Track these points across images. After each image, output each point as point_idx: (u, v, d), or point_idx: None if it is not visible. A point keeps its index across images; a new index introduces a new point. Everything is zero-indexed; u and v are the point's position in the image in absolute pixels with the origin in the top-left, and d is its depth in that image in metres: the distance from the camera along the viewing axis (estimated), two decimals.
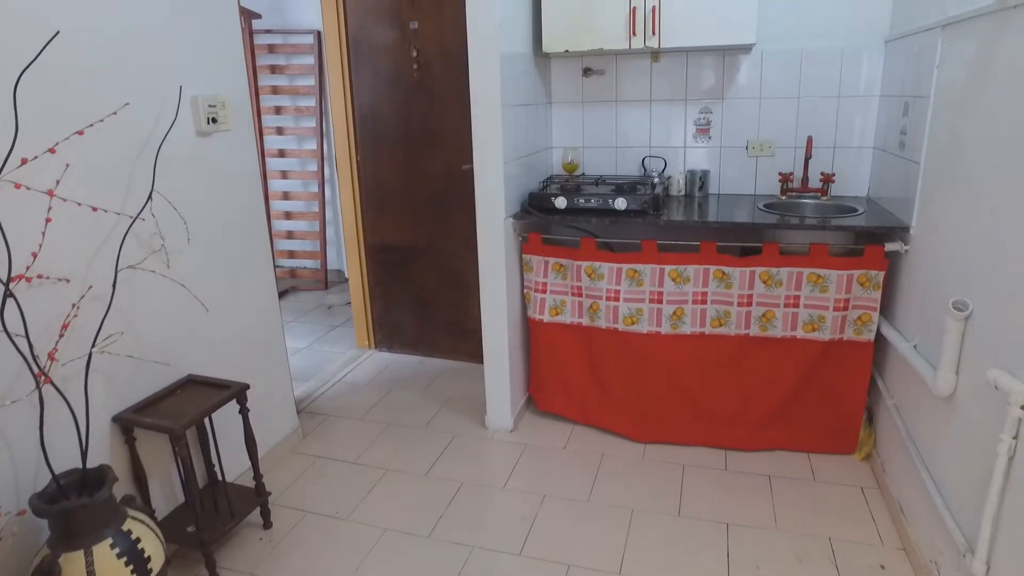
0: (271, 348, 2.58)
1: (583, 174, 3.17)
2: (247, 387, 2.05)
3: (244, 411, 2.07)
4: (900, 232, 2.31)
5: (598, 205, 2.63)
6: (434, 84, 3.29)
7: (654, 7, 2.62)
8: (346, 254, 3.75)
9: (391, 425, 2.95)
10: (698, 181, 2.94)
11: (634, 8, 2.64)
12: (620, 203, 2.59)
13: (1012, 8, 1.61)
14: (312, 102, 4.76)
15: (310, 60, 4.69)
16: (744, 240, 2.53)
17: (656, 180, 2.91)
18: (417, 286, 3.62)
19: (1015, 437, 1.46)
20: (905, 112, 2.40)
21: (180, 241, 2.07)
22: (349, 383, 3.38)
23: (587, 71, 3.08)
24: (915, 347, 2.14)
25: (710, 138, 2.99)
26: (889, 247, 2.34)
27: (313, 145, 4.82)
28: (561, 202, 2.65)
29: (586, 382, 2.83)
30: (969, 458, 1.70)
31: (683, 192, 2.99)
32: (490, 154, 2.55)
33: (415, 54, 3.31)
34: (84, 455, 1.65)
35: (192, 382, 2.06)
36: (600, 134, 3.15)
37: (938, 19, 2.09)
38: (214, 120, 2.18)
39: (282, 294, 4.78)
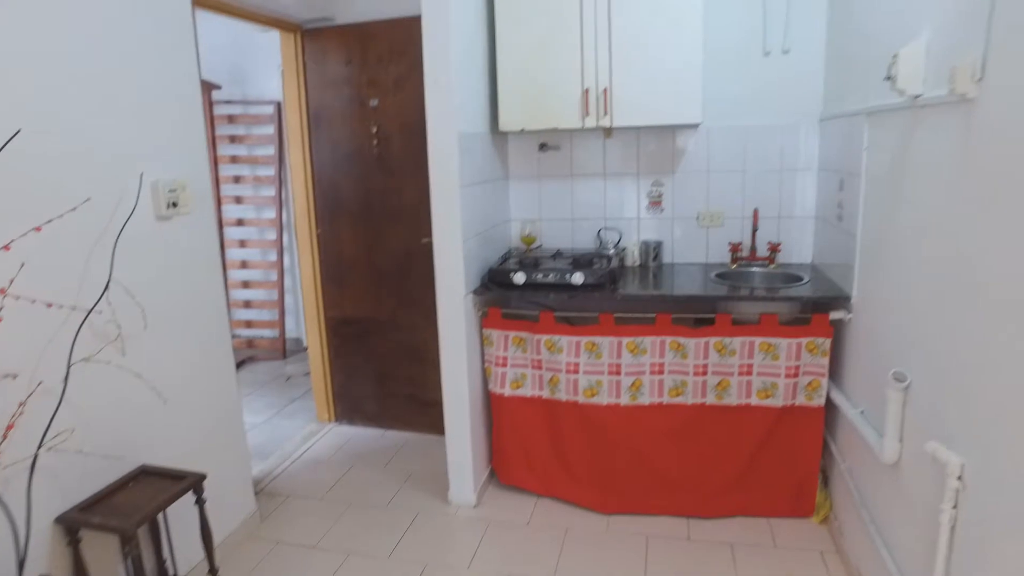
0: (229, 430, 2.53)
1: (541, 246, 3.24)
2: (203, 477, 2.00)
3: (200, 502, 2.01)
4: (843, 301, 2.42)
5: (556, 280, 2.69)
6: (394, 159, 3.36)
7: (605, 89, 2.75)
8: (306, 327, 3.73)
9: (352, 505, 2.89)
10: (652, 252, 3.04)
11: (587, 90, 2.77)
12: (577, 278, 2.66)
13: (921, 107, 1.76)
14: (272, 171, 4.79)
15: (270, 130, 4.75)
16: (698, 311, 2.61)
17: (612, 252, 3.01)
18: (378, 358, 3.60)
19: (955, 507, 1.52)
20: (841, 187, 2.54)
21: (136, 328, 2.04)
22: (309, 460, 3.31)
23: (543, 147, 3.19)
24: (863, 413, 2.22)
25: (662, 210, 3.11)
26: (834, 315, 2.45)
27: (272, 214, 4.83)
28: (520, 277, 2.70)
29: (548, 455, 2.83)
30: (916, 524, 1.75)
31: (638, 262, 3.08)
32: (449, 232, 2.60)
33: (375, 130, 3.38)
34: (22, 566, 1.58)
35: (145, 473, 2.00)
36: (557, 207, 3.24)
37: (863, 107, 2.25)
38: (174, 204, 2.19)
39: (239, 365, 4.70)
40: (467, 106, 2.65)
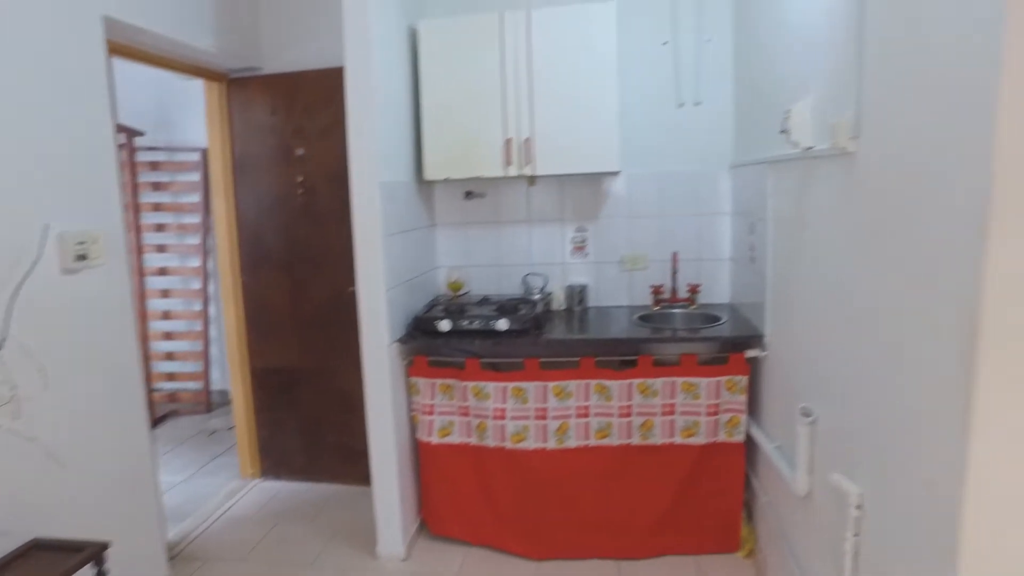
0: (138, 492, 2.40)
1: (468, 293, 3.26)
2: (106, 546, 1.89)
3: (102, 574, 1.89)
4: (757, 339, 2.52)
5: (481, 326, 2.71)
6: (320, 207, 3.35)
7: (527, 139, 2.83)
8: (230, 378, 3.61)
9: (276, 564, 2.77)
10: (577, 296, 3.10)
11: (509, 140, 2.84)
12: (502, 324, 2.68)
13: (813, 158, 1.88)
14: (197, 219, 4.69)
15: (195, 177, 4.65)
16: (621, 353, 2.66)
17: (538, 297, 3.05)
18: (306, 409, 3.51)
19: (856, 535, 1.58)
20: (751, 230, 2.67)
21: (35, 388, 1.94)
22: (231, 519, 3.17)
23: (468, 194, 3.24)
24: (778, 448, 2.30)
25: (586, 255, 3.19)
26: (750, 353, 2.54)
27: (197, 262, 4.71)
28: (445, 325, 2.71)
29: (478, 502, 2.80)
30: (827, 554, 1.80)
31: (564, 307, 3.13)
32: (373, 281, 2.59)
33: (301, 179, 3.37)
34: None
35: (38, 547, 1.87)
36: (484, 253, 3.28)
37: (767, 156, 2.38)
38: (83, 257, 2.11)
39: (160, 420, 4.50)
40: (391, 155, 2.68)
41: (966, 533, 1.14)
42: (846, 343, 1.67)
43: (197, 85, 3.42)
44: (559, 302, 3.13)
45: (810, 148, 1.88)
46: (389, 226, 2.63)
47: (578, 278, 3.20)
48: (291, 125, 3.35)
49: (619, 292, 3.19)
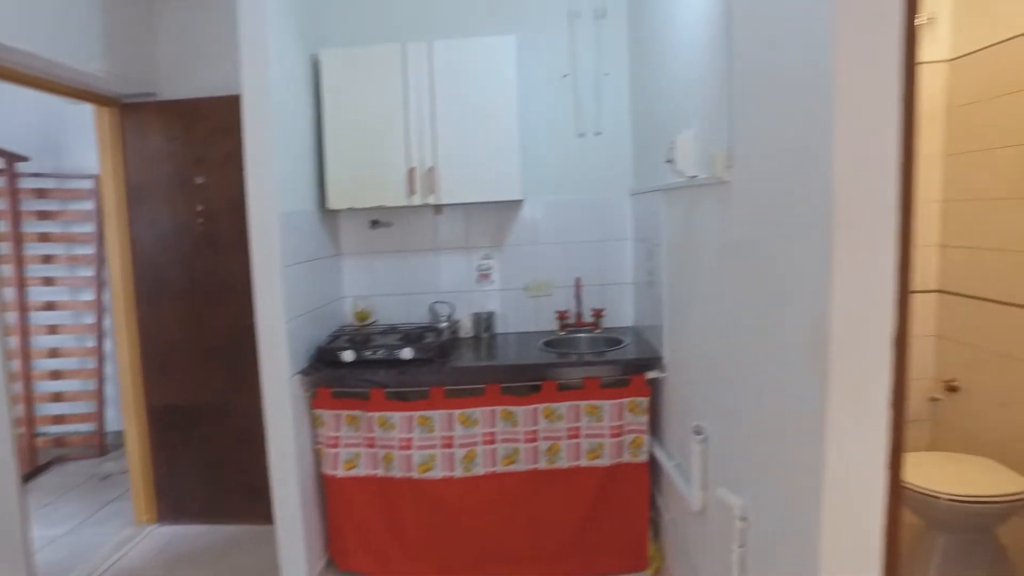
0: (3, 552, 2.22)
1: (376, 322, 3.22)
2: None
3: None
4: (656, 361, 2.60)
5: (385, 356, 2.68)
6: (221, 237, 3.25)
7: (430, 167, 2.85)
8: (123, 417, 3.41)
9: None
10: (484, 323, 3.13)
11: (413, 169, 2.86)
12: (406, 353, 2.67)
13: (698, 186, 1.99)
14: (91, 250, 4.44)
15: (89, 206, 4.42)
16: (526, 379, 2.69)
17: (445, 325, 3.05)
18: (208, 446, 3.36)
19: (741, 545, 1.65)
20: (650, 256, 2.78)
21: None
22: (122, 570, 2.97)
23: (375, 224, 3.22)
24: (677, 466, 2.37)
25: (493, 282, 3.22)
26: (650, 375, 2.62)
27: (91, 295, 4.45)
28: (349, 355, 2.67)
29: (386, 535, 2.75)
30: (721, 566, 1.87)
31: (471, 334, 3.14)
32: (272, 313, 2.53)
33: (201, 208, 3.26)
34: None
35: None
36: (391, 282, 3.26)
37: (660, 184, 2.50)
38: None
39: (43, 467, 4.18)
40: (291, 185, 2.64)
41: (824, 541, 1.22)
42: (727, 362, 1.76)
43: (89, 109, 3.27)
44: (466, 330, 3.15)
45: (694, 177, 1.99)
46: (289, 256, 2.58)
47: (485, 305, 3.23)
48: (190, 153, 3.25)
49: (526, 318, 3.23)
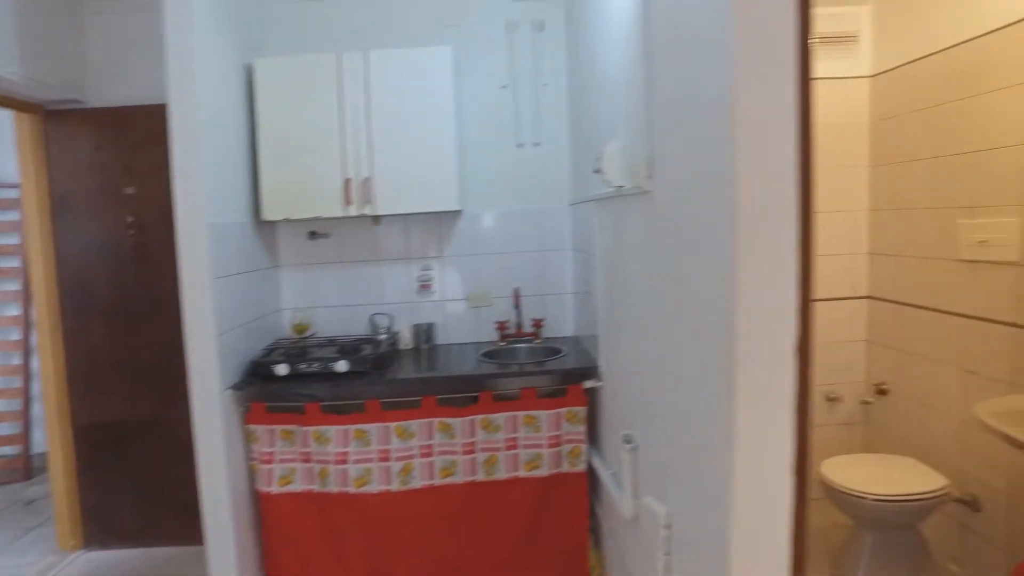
0: None
1: (315, 334, 3.17)
2: None
3: None
4: (593, 370, 2.62)
5: (320, 369, 2.64)
6: (152, 249, 3.16)
7: (367, 178, 2.83)
8: (48, 438, 3.27)
9: None
10: (424, 334, 3.11)
11: (349, 180, 2.83)
12: (341, 365, 2.63)
13: (624, 196, 2.02)
14: (15, 263, 4.27)
15: (14, 216, 4.25)
16: (463, 390, 2.68)
17: (384, 336, 3.02)
18: (140, 465, 3.25)
19: (667, 554, 1.66)
20: (586, 265, 2.80)
21: None
22: None
23: (313, 235, 3.18)
24: (612, 474, 2.39)
25: (433, 293, 3.21)
26: (587, 384, 2.64)
27: (16, 311, 4.27)
28: (283, 369, 2.62)
29: (324, 552, 2.69)
30: (651, 574, 1.88)
31: (411, 345, 3.12)
32: (202, 326, 2.46)
33: (131, 219, 3.17)
34: None
35: None
36: (330, 294, 3.21)
37: (593, 194, 2.53)
38: None
39: None
40: (221, 196, 2.59)
41: (734, 546, 1.24)
42: (652, 371, 1.78)
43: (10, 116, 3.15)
44: (406, 341, 3.12)
45: (621, 187, 2.01)
46: (220, 268, 2.52)
47: (425, 316, 3.21)
48: (120, 162, 3.16)
49: (467, 329, 3.22)
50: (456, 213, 3.16)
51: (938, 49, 2.73)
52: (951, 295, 2.73)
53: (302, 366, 2.64)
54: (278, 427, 2.64)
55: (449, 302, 3.22)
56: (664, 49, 1.57)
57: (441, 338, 3.22)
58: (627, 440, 2.01)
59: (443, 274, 3.21)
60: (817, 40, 3.16)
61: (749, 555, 1.24)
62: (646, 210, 1.78)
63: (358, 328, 3.21)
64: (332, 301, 3.22)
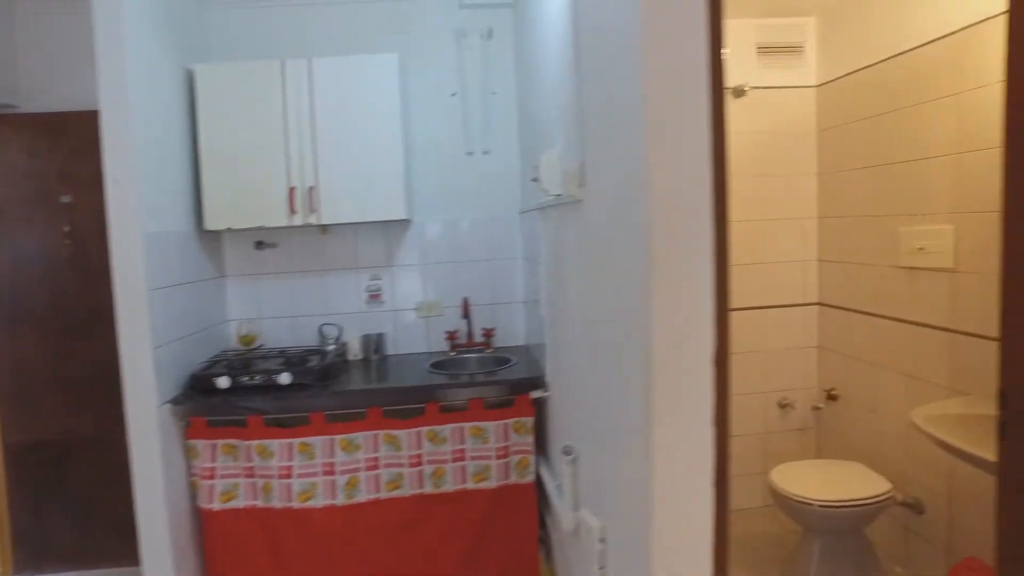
0: None
1: (262, 346, 3.11)
2: None
3: None
4: (540, 380, 2.60)
5: (263, 381, 2.58)
6: (90, 260, 3.06)
7: (312, 187, 2.78)
8: None
9: None
10: (373, 345, 3.06)
11: (293, 188, 2.78)
12: (284, 378, 2.58)
13: (562, 204, 2.01)
14: None
15: None
16: (409, 401, 2.64)
17: (332, 347, 2.97)
18: (77, 486, 3.13)
19: (602, 567, 1.65)
20: (535, 274, 2.79)
21: None
22: None
23: (260, 244, 3.11)
24: (558, 486, 2.37)
25: (382, 303, 3.17)
26: (534, 394, 2.62)
27: None
28: (224, 382, 2.55)
29: (268, 569, 2.62)
30: None
31: (360, 356, 3.07)
32: (137, 339, 2.39)
33: (68, 229, 3.07)
34: None
35: None
36: (278, 304, 3.15)
37: (538, 202, 2.51)
38: None
39: None
40: (158, 204, 2.52)
41: (655, 559, 1.22)
42: (588, 381, 1.76)
43: None
44: (355, 352, 3.07)
45: (559, 195, 2.00)
46: (157, 279, 2.45)
47: (375, 327, 3.16)
48: (55, 170, 3.06)
49: (417, 339, 3.18)
50: (406, 222, 3.13)
51: (876, 61, 2.79)
52: (893, 301, 2.77)
53: (244, 379, 2.58)
54: (220, 441, 2.58)
55: (399, 312, 3.18)
56: (590, 58, 1.56)
57: (391, 348, 3.18)
58: (567, 452, 1.99)
59: (393, 284, 3.17)
60: (766, 50, 3.21)
61: (671, 568, 1.22)
62: (578, 219, 1.77)
63: (307, 339, 3.15)
64: (280, 312, 3.16)
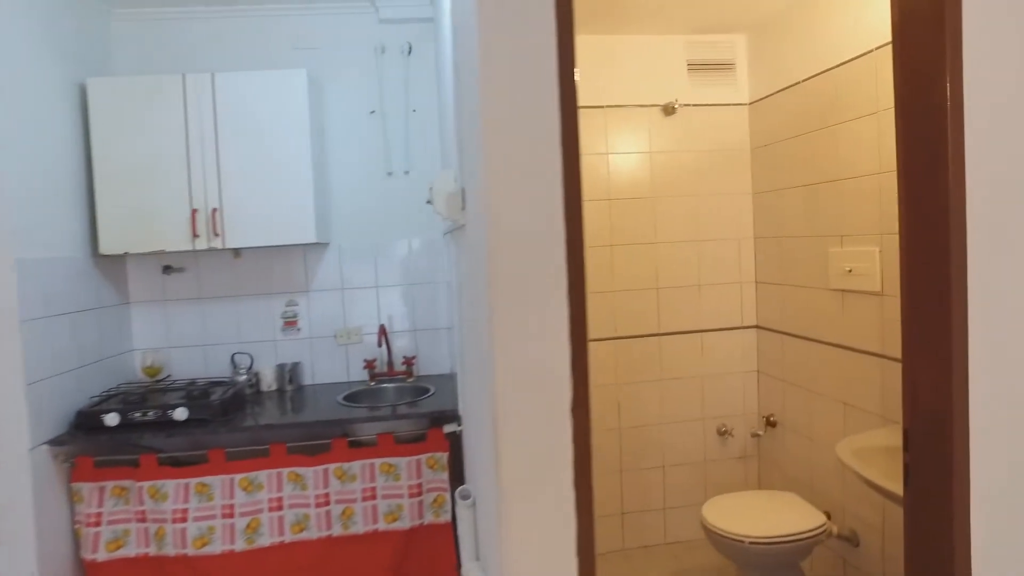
0: None
1: (168, 377, 2.91)
2: None
3: None
4: (454, 413, 2.45)
5: (157, 417, 2.39)
6: None
7: (215, 209, 2.62)
8: None
9: None
10: (287, 375, 2.89)
11: (196, 210, 2.62)
12: (180, 413, 2.39)
13: (458, 228, 1.88)
14: None
15: None
16: (317, 437, 2.47)
17: (243, 378, 2.81)
18: None
19: None
20: (459, 297, 2.65)
21: None
22: None
23: (167, 269, 2.93)
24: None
25: (299, 330, 3.00)
26: (447, 428, 2.47)
27: None
28: (113, 419, 2.36)
29: None
30: None
31: (274, 387, 2.90)
32: (7, 376, 2.19)
33: None
34: None
35: None
36: (188, 332, 2.96)
37: (447, 225, 2.39)
38: None
39: None
40: (39, 228, 2.34)
41: None
42: (478, 417, 1.63)
43: None
44: (269, 382, 2.89)
45: (454, 220, 1.88)
46: (32, 309, 2.26)
47: (291, 355, 2.99)
48: None
49: (336, 368, 3.02)
50: (323, 245, 2.97)
51: (803, 78, 2.72)
52: (827, 325, 2.69)
53: (136, 415, 2.39)
54: (109, 483, 2.38)
55: (317, 339, 3.01)
56: (465, 75, 1.44)
57: (309, 378, 3.01)
58: (463, 495, 1.84)
59: (310, 309, 3.01)
60: (697, 67, 3.13)
61: None
62: (464, 245, 1.65)
63: (219, 369, 2.96)
64: (190, 340, 2.97)
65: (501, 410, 1.04)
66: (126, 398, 2.52)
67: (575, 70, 1.05)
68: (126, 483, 2.39)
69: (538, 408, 1.05)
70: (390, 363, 2.94)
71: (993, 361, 1.11)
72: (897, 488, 1.77)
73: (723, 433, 3.28)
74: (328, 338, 3.01)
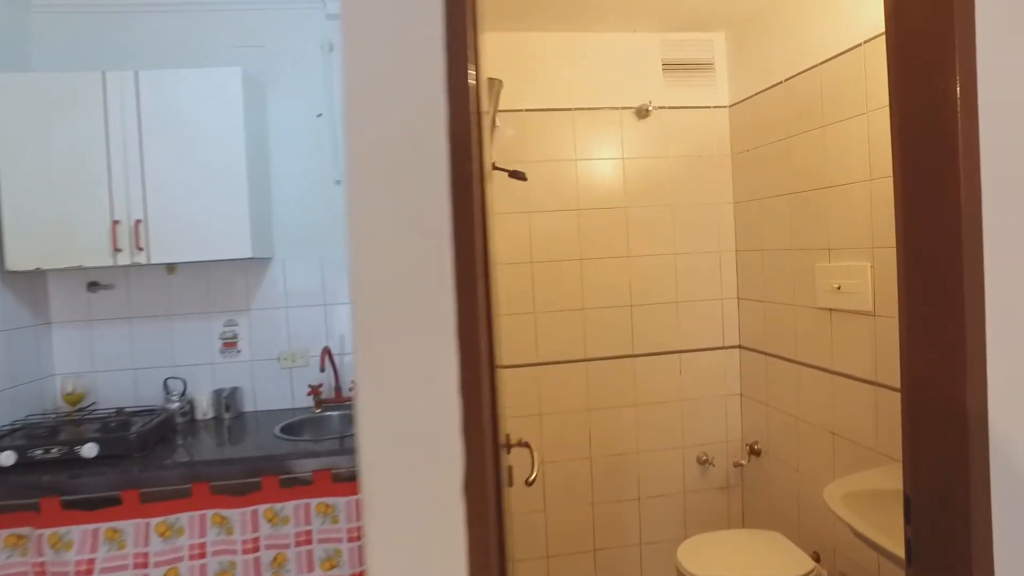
0: None
1: (92, 405, 2.65)
2: None
3: None
4: None
5: (62, 455, 2.13)
6: None
7: (138, 220, 2.37)
8: None
9: None
10: (224, 401, 2.62)
11: (117, 222, 2.36)
12: (89, 449, 2.13)
13: None
14: None
15: None
16: (245, 474, 2.21)
17: (175, 405, 2.55)
18: None
19: None
20: None
21: None
22: None
23: (93, 285, 2.68)
24: None
25: (239, 352, 2.74)
26: None
27: None
28: (8, 457, 2.10)
29: None
30: None
31: (210, 415, 2.63)
32: None
33: None
34: None
35: None
36: (116, 355, 2.70)
37: None
38: None
39: None
40: None
41: None
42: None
43: None
44: (204, 410, 2.63)
45: None
46: None
47: (231, 379, 2.73)
48: None
49: (280, 394, 2.75)
50: (265, 260, 2.72)
51: (785, 78, 2.49)
52: (813, 347, 2.45)
53: (38, 452, 2.13)
54: (3, 532, 2.10)
55: (259, 362, 2.75)
56: None
57: (250, 404, 2.74)
58: None
59: (251, 330, 2.75)
60: (672, 67, 2.90)
61: None
62: None
63: (150, 395, 2.70)
64: (119, 364, 2.71)
65: (369, 486, 0.79)
66: (31, 432, 2.26)
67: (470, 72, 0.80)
68: (24, 531, 2.11)
69: (415, 484, 0.80)
70: (338, 388, 2.68)
71: (1020, 415, 0.87)
72: (891, 543, 1.53)
73: (704, 462, 3.03)
74: (271, 360, 2.75)
